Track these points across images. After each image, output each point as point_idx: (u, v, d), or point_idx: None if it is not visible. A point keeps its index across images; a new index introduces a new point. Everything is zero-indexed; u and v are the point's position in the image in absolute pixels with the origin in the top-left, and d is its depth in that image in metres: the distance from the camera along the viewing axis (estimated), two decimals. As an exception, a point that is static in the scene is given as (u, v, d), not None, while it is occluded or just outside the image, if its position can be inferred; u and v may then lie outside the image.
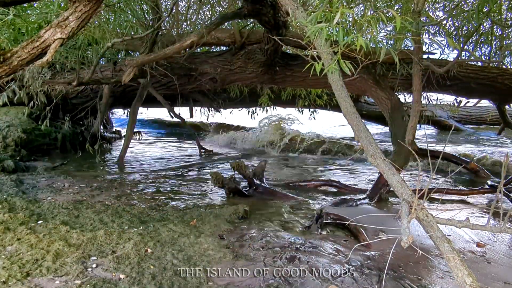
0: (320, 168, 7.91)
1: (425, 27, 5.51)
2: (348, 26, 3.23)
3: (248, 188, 5.43)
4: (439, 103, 7.54)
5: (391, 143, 5.77)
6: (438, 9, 6.02)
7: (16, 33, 5.76)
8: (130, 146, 8.40)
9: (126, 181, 6.34)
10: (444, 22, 5.57)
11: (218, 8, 7.34)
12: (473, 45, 6.04)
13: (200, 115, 12.05)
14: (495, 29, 5.79)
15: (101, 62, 7.50)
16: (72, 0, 3.37)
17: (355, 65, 2.41)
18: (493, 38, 5.87)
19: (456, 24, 5.68)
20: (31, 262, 2.96)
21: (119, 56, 8.18)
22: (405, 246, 1.90)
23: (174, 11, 6.57)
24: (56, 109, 8.27)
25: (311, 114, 11.41)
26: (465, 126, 12.57)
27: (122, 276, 2.84)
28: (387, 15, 4.63)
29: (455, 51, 5.43)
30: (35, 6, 6.03)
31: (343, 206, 4.77)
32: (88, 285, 2.69)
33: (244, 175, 5.47)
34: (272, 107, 11.19)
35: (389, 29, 5.89)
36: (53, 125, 8.22)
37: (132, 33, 6.30)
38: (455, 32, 5.70)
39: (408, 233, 1.93)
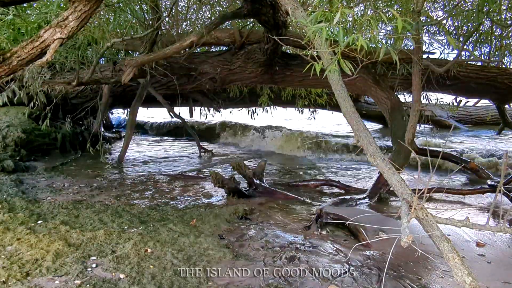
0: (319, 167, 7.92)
1: (425, 27, 5.50)
2: (348, 26, 3.23)
3: (248, 188, 5.43)
4: (438, 102, 7.53)
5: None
6: (438, 9, 6.02)
7: (16, 33, 5.75)
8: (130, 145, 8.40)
9: (126, 181, 6.34)
10: (444, 21, 5.57)
11: (217, 8, 7.32)
12: (473, 45, 6.04)
13: (199, 115, 12.05)
14: (494, 29, 5.79)
15: (101, 62, 7.49)
16: (72, 0, 3.37)
17: (355, 65, 2.40)
18: (493, 37, 5.86)
19: (456, 24, 5.68)
20: (31, 262, 2.96)
21: (119, 56, 8.17)
22: (405, 245, 1.90)
23: (173, 11, 6.57)
24: (56, 109, 8.27)
25: (311, 114, 11.41)
26: (465, 125, 12.56)
27: (122, 276, 2.84)
28: (387, 15, 4.63)
29: (455, 51, 5.43)
30: (34, 6, 6.03)
31: (343, 205, 4.78)
32: (88, 285, 2.69)
33: (244, 175, 5.47)
34: (272, 107, 11.18)
35: (388, 28, 5.89)
36: (53, 125, 8.22)
37: (132, 33, 6.30)
38: (454, 32, 5.70)
39: (407, 232, 1.93)
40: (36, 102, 7.38)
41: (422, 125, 9.22)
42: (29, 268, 2.88)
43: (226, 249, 3.39)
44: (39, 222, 3.88)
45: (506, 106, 7.99)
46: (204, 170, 7.55)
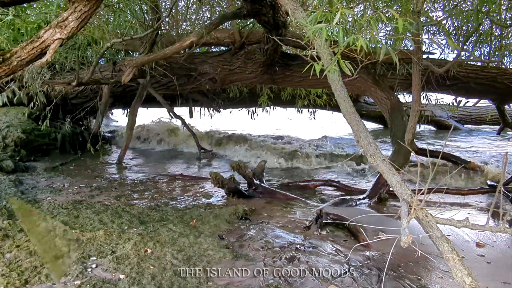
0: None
1: (425, 27, 5.50)
2: (348, 26, 3.23)
3: (247, 188, 5.43)
4: (438, 103, 7.53)
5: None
6: (438, 9, 6.01)
7: (16, 33, 5.75)
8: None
9: (126, 181, 6.34)
10: (444, 22, 5.56)
11: (217, 8, 7.32)
12: (473, 45, 6.03)
13: (200, 115, 12.05)
14: (494, 29, 5.78)
15: (101, 62, 7.49)
16: (72, 0, 3.37)
17: (354, 65, 2.40)
18: (493, 38, 5.86)
19: (456, 24, 5.67)
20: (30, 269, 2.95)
21: (119, 56, 8.17)
22: (404, 246, 1.89)
23: (173, 11, 6.57)
24: (56, 110, 8.27)
25: (310, 114, 11.41)
26: (465, 125, 12.58)
27: (121, 276, 2.83)
28: (387, 15, 4.63)
29: (455, 51, 5.43)
30: (34, 6, 6.02)
31: (343, 206, 4.78)
32: (87, 286, 2.69)
33: (244, 175, 5.46)
34: (271, 107, 11.18)
35: (388, 29, 5.89)
36: (53, 125, 8.22)
37: (132, 33, 6.29)
38: (454, 32, 5.70)
39: (407, 233, 1.93)
40: (36, 102, 7.38)
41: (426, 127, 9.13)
42: (28, 276, 2.87)
43: (226, 250, 3.39)
44: (39, 222, 3.88)
45: (506, 106, 7.98)
46: (204, 170, 7.55)
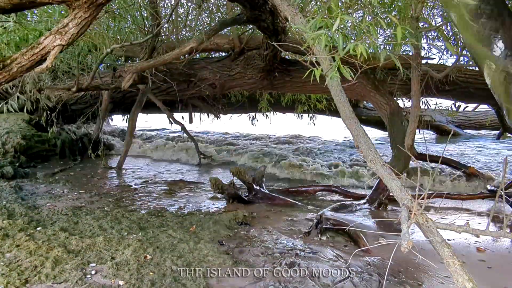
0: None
1: (424, 33, 5.52)
2: (347, 32, 3.24)
3: (247, 194, 5.43)
4: (438, 108, 7.54)
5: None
6: (437, 15, 6.03)
7: (18, 39, 5.76)
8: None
9: (125, 187, 6.33)
10: (442, 27, 5.58)
11: (217, 14, 7.36)
12: (472, 50, 6.04)
13: (200, 121, 12.07)
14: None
15: (101, 68, 7.51)
16: (72, 7, 3.38)
17: (354, 71, 2.41)
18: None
19: (455, 29, 5.69)
20: (30, 269, 2.95)
21: (119, 62, 8.20)
22: (405, 251, 1.89)
23: (173, 17, 6.60)
24: (56, 116, 8.29)
25: (310, 119, 11.42)
26: (464, 130, 12.58)
27: (121, 282, 2.82)
28: (386, 21, 4.64)
29: (454, 56, 5.45)
30: (36, 13, 6.05)
31: (343, 211, 4.77)
32: (87, 292, 2.68)
33: (244, 181, 5.46)
34: (271, 112, 11.19)
35: (387, 33, 5.90)
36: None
37: (132, 39, 6.33)
38: (453, 38, 5.72)
39: (407, 238, 1.92)
40: (43, 108, 7.37)
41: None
42: (28, 275, 2.86)
43: (226, 255, 3.38)
44: (38, 228, 3.87)
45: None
46: (204, 176, 7.55)
